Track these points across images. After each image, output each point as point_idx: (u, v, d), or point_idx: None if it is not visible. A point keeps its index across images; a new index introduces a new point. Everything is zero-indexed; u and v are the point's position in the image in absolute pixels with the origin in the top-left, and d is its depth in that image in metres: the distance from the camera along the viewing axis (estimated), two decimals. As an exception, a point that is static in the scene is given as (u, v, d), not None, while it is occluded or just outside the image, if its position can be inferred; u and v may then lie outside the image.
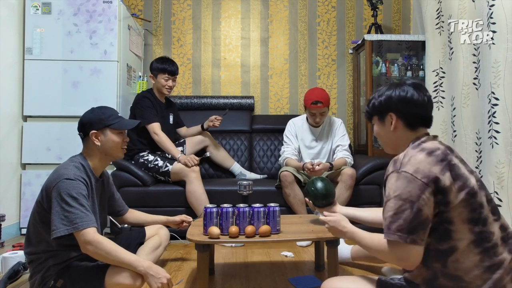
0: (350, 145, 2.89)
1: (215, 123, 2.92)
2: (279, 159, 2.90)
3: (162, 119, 2.79)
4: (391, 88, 1.23)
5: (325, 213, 1.39)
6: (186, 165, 2.57)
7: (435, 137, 1.19)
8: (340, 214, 1.35)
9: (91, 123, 1.61)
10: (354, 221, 1.69)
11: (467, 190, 1.05)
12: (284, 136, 2.91)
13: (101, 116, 1.62)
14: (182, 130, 3.07)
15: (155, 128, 2.66)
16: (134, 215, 1.99)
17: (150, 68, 2.85)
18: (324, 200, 1.75)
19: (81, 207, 1.41)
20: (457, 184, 1.05)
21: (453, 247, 1.04)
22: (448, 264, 1.04)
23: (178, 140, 2.97)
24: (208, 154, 2.90)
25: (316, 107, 2.66)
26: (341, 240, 1.96)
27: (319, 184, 1.76)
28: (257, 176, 3.09)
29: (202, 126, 3.01)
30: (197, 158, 2.63)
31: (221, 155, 3.08)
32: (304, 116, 2.92)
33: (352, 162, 2.77)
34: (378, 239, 1.12)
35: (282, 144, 2.91)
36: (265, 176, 3.16)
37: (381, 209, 1.67)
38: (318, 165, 2.51)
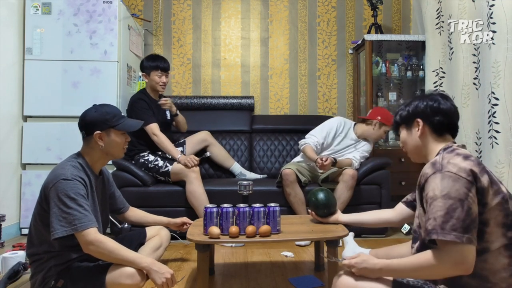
0: (366, 157, 2.85)
1: (165, 106, 2.80)
2: (300, 142, 2.82)
3: (159, 117, 2.78)
4: (418, 98, 1.28)
5: (345, 258, 1.23)
6: (186, 165, 2.57)
7: (463, 146, 1.22)
8: (362, 254, 1.20)
9: (95, 123, 1.56)
10: (359, 226, 1.70)
11: (502, 195, 1.07)
12: (322, 125, 2.83)
13: (106, 117, 1.57)
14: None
15: (154, 129, 2.65)
16: (136, 213, 1.98)
17: (141, 67, 2.83)
18: (325, 209, 1.78)
19: (80, 207, 1.40)
20: (494, 188, 1.06)
21: (484, 248, 1.04)
22: (476, 263, 1.02)
23: (178, 141, 2.97)
24: (208, 154, 2.89)
25: (390, 124, 2.67)
26: (350, 241, 1.93)
27: (321, 195, 1.78)
28: (257, 176, 3.09)
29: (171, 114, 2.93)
30: (197, 158, 2.62)
31: (221, 155, 3.08)
32: (352, 123, 2.91)
33: (358, 167, 2.75)
34: (419, 256, 1.05)
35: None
36: (265, 176, 3.17)
37: (382, 210, 1.65)
38: (326, 160, 2.52)
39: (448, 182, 1.04)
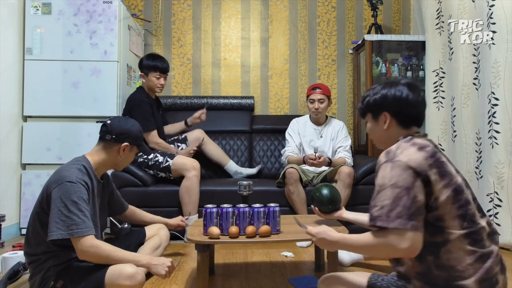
0: (351, 146, 2.93)
1: (202, 117, 2.93)
2: (281, 158, 2.95)
3: (157, 118, 2.81)
4: (386, 87, 1.25)
5: (309, 227, 1.32)
6: (189, 155, 2.72)
7: (425, 135, 1.22)
8: (324, 225, 1.28)
9: (130, 135, 1.62)
10: (362, 226, 1.68)
11: (453, 187, 1.08)
12: (286, 134, 2.95)
13: (138, 134, 1.66)
14: (168, 127, 3.03)
15: (154, 137, 2.69)
16: (135, 212, 1.99)
17: (139, 65, 2.81)
18: (330, 205, 1.76)
19: (80, 212, 1.40)
20: (444, 181, 1.08)
21: (445, 240, 1.07)
22: (440, 255, 1.06)
23: (179, 137, 2.98)
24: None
25: (315, 93, 2.79)
26: None
27: (325, 190, 1.77)
28: (253, 171, 3.09)
29: (186, 123, 3.01)
30: (194, 148, 2.77)
31: (216, 153, 3.06)
32: (307, 116, 2.98)
33: (352, 163, 2.81)
34: (370, 237, 1.09)
35: (283, 144, 2.93)
36: (260, 166, 3.18)
37: None
38: (320, 158, 2.57)
39: (397, 171, 1.07)
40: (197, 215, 2.56)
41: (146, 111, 2.68)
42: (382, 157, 1.14)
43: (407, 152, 1.10)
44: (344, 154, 2.79)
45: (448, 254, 1.06)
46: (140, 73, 2.82)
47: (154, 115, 2.75)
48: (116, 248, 1.46)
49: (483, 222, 1.09)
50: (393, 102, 1.22)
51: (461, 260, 1.05)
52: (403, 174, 1.06)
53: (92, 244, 1.40)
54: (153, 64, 2.74)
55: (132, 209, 1.98)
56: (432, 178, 1.07)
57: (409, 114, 1.22)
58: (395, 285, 1.14)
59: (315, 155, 2.61)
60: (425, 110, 1.25)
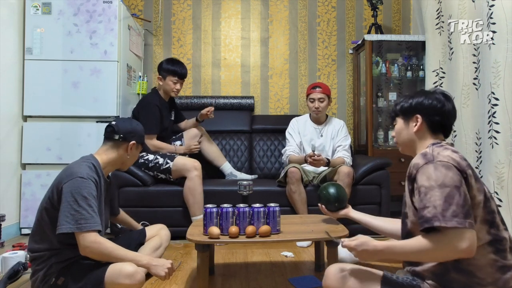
0: (351, 146, 2.93)
1: (209, 116, 2.94)
2: (282, 158, 2.94)
3: (166, 119, 2.83)
4: (423, 94, 1.29)
5: (344, 240, 1.20)
6: (190, 151, 2.74)
7: (452, 145, 1.25)
8: (361, 235, 1.18)
9: (137, 134, 1.71)
10: (366, 227, 1.66)
11: (484, 193, 1.09)
12: (287, 134, 2.94)
13: (142, 133, 1.76)
14: (182, 124, 3.09)
15: (152, 139, 2.71)
16: (123, 216, 2.03)
17: (158, 68, 2.83)
18: (337, 203, 1.77)
19: (89, 208, 1.44)
20: (478, 185, 1.09)
21: None
22: (462, 259, 1.04)
23: (175, 134, 2.99)
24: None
25: (315, 92, 2.80)
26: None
27: (332, 189, 1.79)
28: (248, 177, 3.03)
29: (197, 119, 3.03)
30: (196, 144, 2.80)
31: (213, 152, 3.04)
32: (307, 115, 2.97)
33: (351, 163, 2.81)
34: (421, 240, 1.04)
35: (283, 144, 2.93)
36: (256, 176, 3.14)
37: (395, 221, 1.56)
38: (319, 156, 2.58)
39: (442, 171, 1.06)
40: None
41: (153, 114, 2.69)
42: (419, 160, 1.13)
43: (444, 153, 1.11)
44: (343, 154, 2.79)
45: (471, 259, 1.04)
46: (158, 76, 2.82)
47: (162, 119, 2.77)
48: (118, 246, 1.48)
49: (506, 234, 1.09)
50: (429, 108, 1.25)
51: (482, 267, 1.04)
52: (448, 173, 1.05)
53: (96, 240, 1.43)
54: (173, 68, 2.76)
55: (122, 213, 2.02)
56: (469, 179, 1.08)
57: (440, 122, 1.25)
58: (410, 284, 1.12)
59: (313, 153, 2.61)
60: (455, 121, 1.28)
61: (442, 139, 1.26)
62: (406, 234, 1.21)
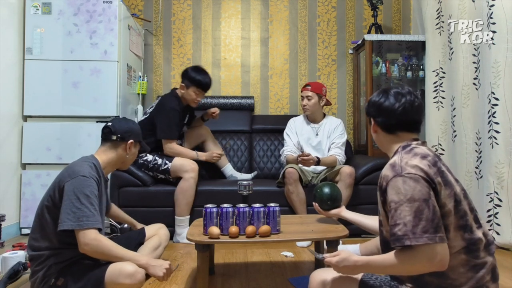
0: (349, 143, 2.93)
1: (215, 117, 2.94)
2: (280, 158, 2.95)
3: (182, 122, 2.83)
4: (377, 94, 1.26)
5: (326, 255, 1.21)
6: (212, 158, 2.71)
7: (424, 143, 1.21)
8: (343, 251, 1.19)
9: (133, 133, 1.71)
10: (359, 226, 1.67)
11: (453, 198, 1.08)
12: (284, 134, 2.95)
13: (139, 131, 1.76)
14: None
15: (174, 146, 2.67)
16: (114, 209, 2.03)
17: (183, 75, 2.73)
18: (330, 202, 1.78)
19: (91, 206, 1.45)
20: (447, 191, 1.07)
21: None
22: None
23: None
24: (228, 147, 2.98)
25: (304, 89, 2.83)
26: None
27: (326, 189, 1.80)
28: (248, 176, 3.06)
29: (203, 118, 3.03)
30: (220, 152, 2.76)
31: None
32: (304, 115, 2.97)
33: (344, 160, 2.80)
34: (397, 255, 1.05)
35: (283, 144, 2.93)
36: (255, 173, 3.16)
37: None
38: (308, 156, 2.58)
39: (410, 184, 1.04)
40: (189, 216, 2.58)
41: (173, 120, 2.66)
42: (388, 172, 1.11)
43: (412, 162, 1.08)
44: (335, 151, 2.78)
45: None
46: (181, 83, 2.74)
47: (180, 124, 2.77)
48: (117, 245, 1.48)
49: (479, 233, 1.08)
50: (374, 109, 1.24)
51: (454, 269, 1.05)
52: (417, 186, 1.04)
53: (96, 238, 1.43)
54: (198, 78, 2.69)
55: (113, 207, 2.02)
56: (438, 187, 1.06)
57: (386, 121, 1.21)
58: (388, 285, 1.14)
59: (302, 153, 2.63)
60: (418, 115, 1.22)
61: (412, 138, 1.20)
62: (383, 241, 1.21)
